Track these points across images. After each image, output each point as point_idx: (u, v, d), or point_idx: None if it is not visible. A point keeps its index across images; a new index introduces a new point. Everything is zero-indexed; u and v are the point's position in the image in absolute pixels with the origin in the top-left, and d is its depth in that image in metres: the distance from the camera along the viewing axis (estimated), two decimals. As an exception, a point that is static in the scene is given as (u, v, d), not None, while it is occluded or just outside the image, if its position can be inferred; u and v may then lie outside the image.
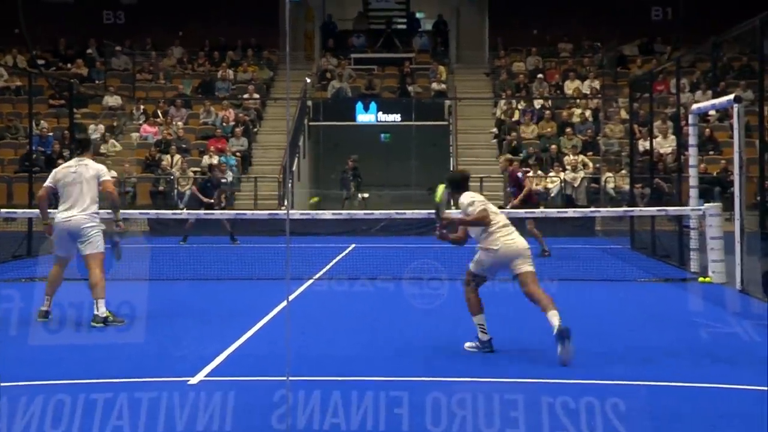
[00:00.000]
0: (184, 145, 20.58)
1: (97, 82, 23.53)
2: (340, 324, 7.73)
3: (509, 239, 6.46)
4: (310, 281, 10.17)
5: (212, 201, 15.20)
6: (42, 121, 20.41)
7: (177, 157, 19.72)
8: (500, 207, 13.49)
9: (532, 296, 6.30)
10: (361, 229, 16.65)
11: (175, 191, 18.93)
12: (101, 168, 7.83)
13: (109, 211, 7.88)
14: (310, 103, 22.57)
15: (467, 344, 6.50)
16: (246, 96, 22.61)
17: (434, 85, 22.87)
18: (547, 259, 12.28)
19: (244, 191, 19.92)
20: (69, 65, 23.78)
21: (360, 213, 12.70)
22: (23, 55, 23.58)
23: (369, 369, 5.99)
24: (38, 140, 18.98)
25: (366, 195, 19.62)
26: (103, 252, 7.60)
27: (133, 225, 15.25)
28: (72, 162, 7.84)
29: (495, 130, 21.52)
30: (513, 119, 21.44)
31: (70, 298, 7.84)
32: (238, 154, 20.46)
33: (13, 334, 7.04)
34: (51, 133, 20.24)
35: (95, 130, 21.10)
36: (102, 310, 7.45)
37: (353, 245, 14.70)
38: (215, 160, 19.66)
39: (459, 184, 6.76)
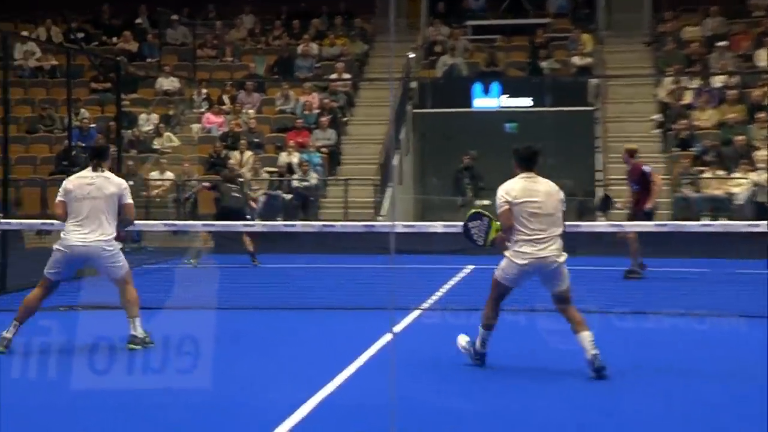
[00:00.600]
0: (256, 139, 21.08)
1: (149, 60, 24.43)
2: (458, 367, 7.70)
3: (531, 252, 7.23)
4: (418, 311, 10.21)
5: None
6: (82, 110, 21.30)
7: (248, 154, 20.22)
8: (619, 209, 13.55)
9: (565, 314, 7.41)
10: (481, 246, 16.57)
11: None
12: (124, 186, 8.43)
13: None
14: (414, 84, 22.72)
15: (462, 338, 7.68)
16: (334, 76, 22.97)
17: (575, 60, 22.62)
18: (721, 287, 11.99)
19: (331, 197, 20.22)
20: (114, 39, 24.74)
21: (480, 225, 12.61)
22: (59, 26, 24.71)
23: (496, 428, 5.94)
24: (78, 134, 19.78)
25: (486, 202, 19.49)
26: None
27: (193, 240, 15.74)
28: (87, 173, 8.36)
29: (658, 116, 21.07)
30: (682, 102, 20.94)
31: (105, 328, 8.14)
32: (323, 150, 20.80)
33: (52, 376, 7.33)
34: (93, 125, 21.09)
35: (147, 121, 21.91)
36: (140, 331, 8.15)
37: (470, 266, 14.67)
38: (295, 158, 20.07)
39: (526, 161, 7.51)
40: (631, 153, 14.21)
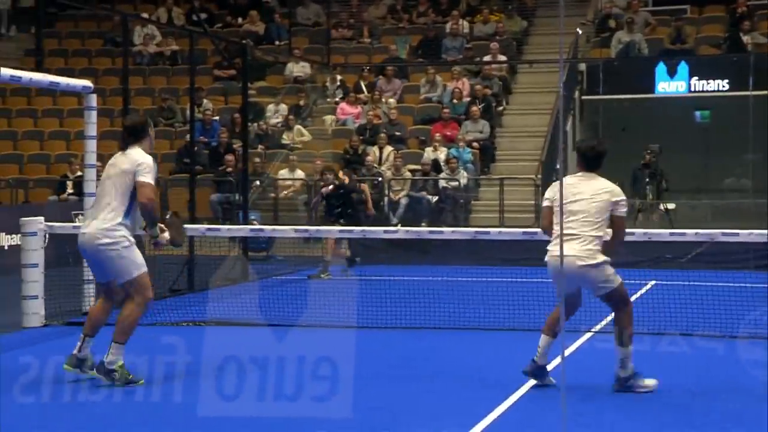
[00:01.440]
0: (398, 132, 21.28)
1: (277, 43, 25.02)
2: (641, 398, 7.66)
3: (556, 251, 7.46)
4: (589, 334, 10.19)
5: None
6: (204, 100, 21.97)
7: (388, 149, 20.43)
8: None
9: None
10: (666, 258, 16.30)
11: (386, 199, 19.59)
12: (140, 162, 7.93)
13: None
14: (583, 66, 22.50)
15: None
16: (487, 59, 22.98)
17: (784, 33, 21.95)
18: None
19: (485, 200, 20.23)
20: (240, 20, 25.47)
21: (664, 233, 12.35)
22: (181, 7, 25.57)
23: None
24: (200, 128, 20.43)
25: (672, 205, 19.20)
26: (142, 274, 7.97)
27: (325, 249, 16.03)
28: (117, 155, 8.20)
29: None
30: None
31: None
32: (475, 145, 20.84)
33: (176, 399, 7.62)
34: (216, 117, 21.72)
35: (275, 113, 22.42)
36: (110, 359, 7.80)
37: (653, 281, 14.49)
38: (442, 154, 20.17)
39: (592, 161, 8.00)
40: None
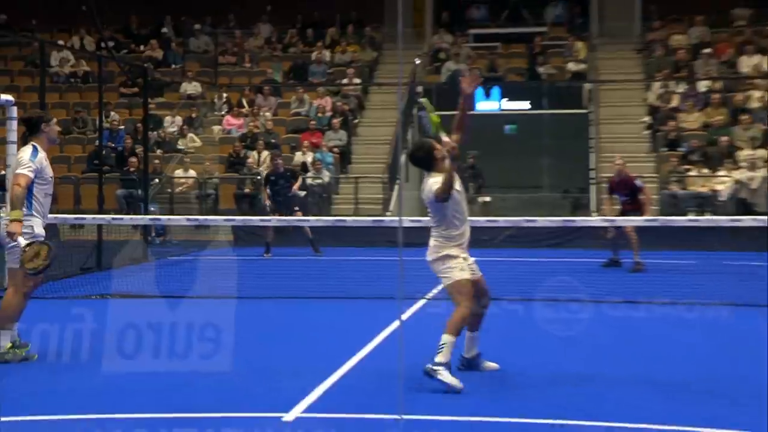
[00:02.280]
0: (273, 140, 21.07)
1: (173, 66, 24.45)
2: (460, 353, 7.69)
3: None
4: (423, 301, 10.23)
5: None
6: (112, 113, 21.30)
7: (265, 153, 20.21)
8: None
9: None
10: (482, 240, 16.55)
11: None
12: (21, 156, 7.18)
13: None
14: (420, 88, 22.66)
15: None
16: (345, 81, 22.95)
17: (571, 65, 22.53)
18: (708, 278, 11.96)
19: (343, 194, 20.20)
20: (142, 47, 24.77)
21: (481, 220, 12.57)
22: (92, 36, 24.74)
23: (494, 408, 5.95)
24: (108, 135, 19.84)
25: (488, 199, 19.53)
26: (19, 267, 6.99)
27: (216, 233, 15.76)
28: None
29: (647, 119, 20.98)
30: (671, 105, 20.86)
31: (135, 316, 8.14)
32: (335, 150, 20.78)
33: (84, 359, 7.35)
34: (122, 127, 21.12)
35: (172, 123, 21.91)
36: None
37: (473, 259, 14.66)
38: (309, 157, 20.05)
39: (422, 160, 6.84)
40: (623, 163, 14.33)
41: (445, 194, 6.59)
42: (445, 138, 6.82)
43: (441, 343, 6.44)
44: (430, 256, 6.86)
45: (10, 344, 7.18)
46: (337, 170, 20.56)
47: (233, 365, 7.07)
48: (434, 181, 6.71)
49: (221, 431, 5.28)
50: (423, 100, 7.72)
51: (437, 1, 25.60)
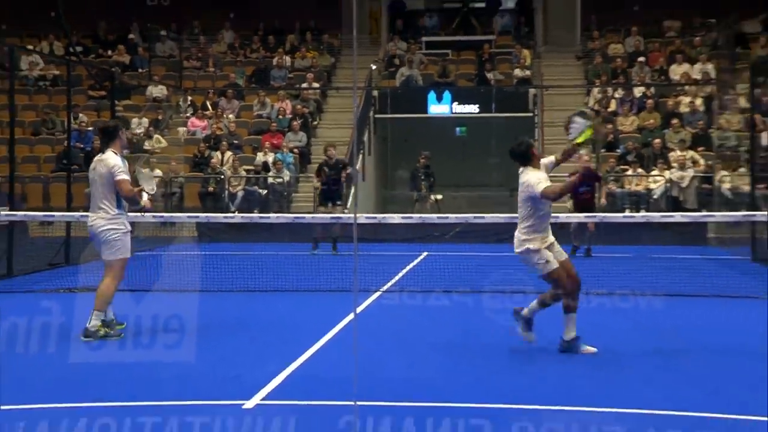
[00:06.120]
0: (235, 141, 20.90)
1: (140, 70, 24.13)
2: (413, 342, 7.70)
3: None
4: (378, 293, 10.25)
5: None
6: (80, 114, 20.99)
7: (228, 154, 20.04)
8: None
9: None
10: (434, 236, 16.61)
11: (226, 192, 19.23)
12: (112, 164, 7.59)
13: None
14: (376, 93, 22.66)
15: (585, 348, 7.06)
16: (305, 85, 22.85)
17: (517, 72, 22.68)
18: (651, 271, 12.12)
19: (302, 192, 20.11)
20: (110, 52, 24.43)
21: (433, 217, 12.64)
22: (60, 41, 24.33)
23: (445, 394, 5.95)
24: (77, 135, 19.53)
25: (439, 196, 19.55)
26: (122, 259, 7.58)
27: (181, 230, 15.59)
28: (97, 156, 7.80)
29: (588, 122, 21.18)
30: (609, 110, 21.09)
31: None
32: (295, 150, 20.67)
33: (52, 351, 7.22)
34: (90, 128, 20.79)
35: (138, 124, 21.64)
36: (94, 323, 7.51)
37: (425, 253, 14.70)
38: (270, 157, 19.93)
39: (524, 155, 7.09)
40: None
41: (556, 197, 7.00)
42: (585, 156, 7.25)
43: (567, 323, 6.99)
44: (519, 248, 7.04)
45: (100, 323, 7.54)
46: (297, 170, 20.46)
47: (196, 356, 6.99)
48: (538, 179, 6.93)
49: (184, 418, 5.21)
50: (589, 112, 7.94)
51: (392, 10, 25.63)
